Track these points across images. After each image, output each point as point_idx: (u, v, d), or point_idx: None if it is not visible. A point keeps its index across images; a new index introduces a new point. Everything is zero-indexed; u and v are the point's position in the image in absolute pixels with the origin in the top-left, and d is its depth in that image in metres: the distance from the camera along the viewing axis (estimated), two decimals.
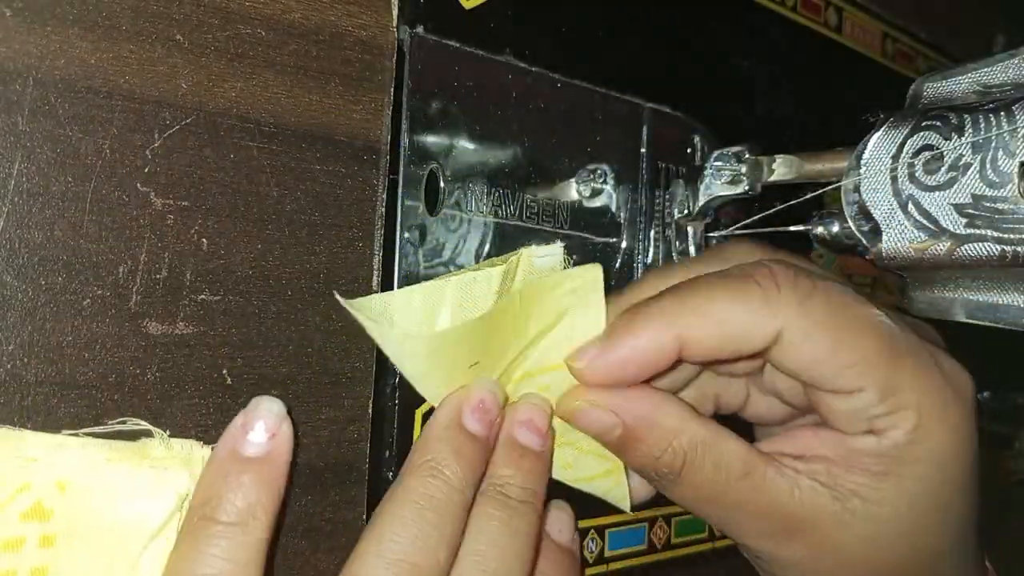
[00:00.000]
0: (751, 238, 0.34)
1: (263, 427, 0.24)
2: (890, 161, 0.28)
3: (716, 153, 0.37)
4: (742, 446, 0.28)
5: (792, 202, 0.33)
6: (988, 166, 0.26)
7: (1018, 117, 0.26)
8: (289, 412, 0.25)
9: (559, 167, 0.36)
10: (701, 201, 0.38)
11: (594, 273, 0.29)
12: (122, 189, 0.25)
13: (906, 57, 0.59)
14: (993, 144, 0.26)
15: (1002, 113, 0.26)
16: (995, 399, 0.66)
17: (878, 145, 0.29)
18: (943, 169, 0.27)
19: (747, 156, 0.36)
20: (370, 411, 0.30)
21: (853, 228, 0.29)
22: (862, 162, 0.29)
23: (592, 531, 0.38)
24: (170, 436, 0.25)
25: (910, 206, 0.28)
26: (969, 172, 0.27)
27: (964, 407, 0.28)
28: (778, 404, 0.32)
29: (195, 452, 0.25)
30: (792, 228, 0.33)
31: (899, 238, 0.28)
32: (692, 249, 0.40)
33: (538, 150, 0.36)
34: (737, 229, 0.38)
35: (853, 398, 0.27)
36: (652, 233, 0.40)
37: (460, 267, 0.32)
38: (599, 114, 0.38)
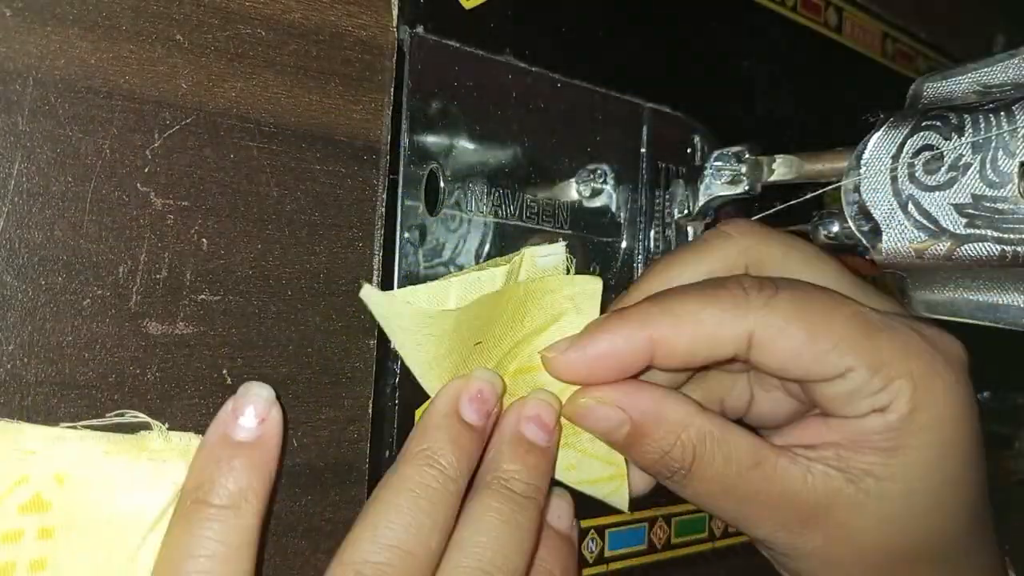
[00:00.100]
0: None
1: (253, 412, 0.25)
2: (890, 161, 0.28)
3: (716, 153, 0.37)
4: (751, 437, 0.29)
5: (792, 202, 0.33)
6: (988, 166, 0.26)
7: (1018, 117, 0.26)
8: (278, 397, 0.25)
9: (559, 167, 0.36)
10: (701, 201, 0.38)
11: (594, 285, 0.29)
12: (122, 189, 0.25)
13: (906, 57, 0.59)
14: (993, 144, 0.26)
15: (1002, 113, 0.26)
16: (995, 399, 0.66)
17: (878, 145, 0.29)
18: (943, 169, 0.27)
19: (747, 156, 0.36)
20: (370, 411, 0.30)
21: (853, 228, 0.29)
22: (862, 162, 0.29)
23: (592, 531, 0.38)
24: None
25: (910, 206, 0.28)
26: (969, 172, 0.27)
27: (956, 368, 0.28)
28: (782, 401, 0.32)
29: (193, 444, 0.25)
30: (792, 228, 0.33)
31: (899, 238, 0.28)
32: None
33: (538, 150, 0.36)
34: None
35: (845, 381, 0.27)
36: (652, 233, 0.40)
37: (460, 267, 0.32)
38: (599, 114, 0.38)
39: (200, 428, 0.26)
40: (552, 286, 0.29)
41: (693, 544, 0.43)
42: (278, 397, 0.25)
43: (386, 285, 0.30)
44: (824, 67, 0.53)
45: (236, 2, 0.27)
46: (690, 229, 0.40)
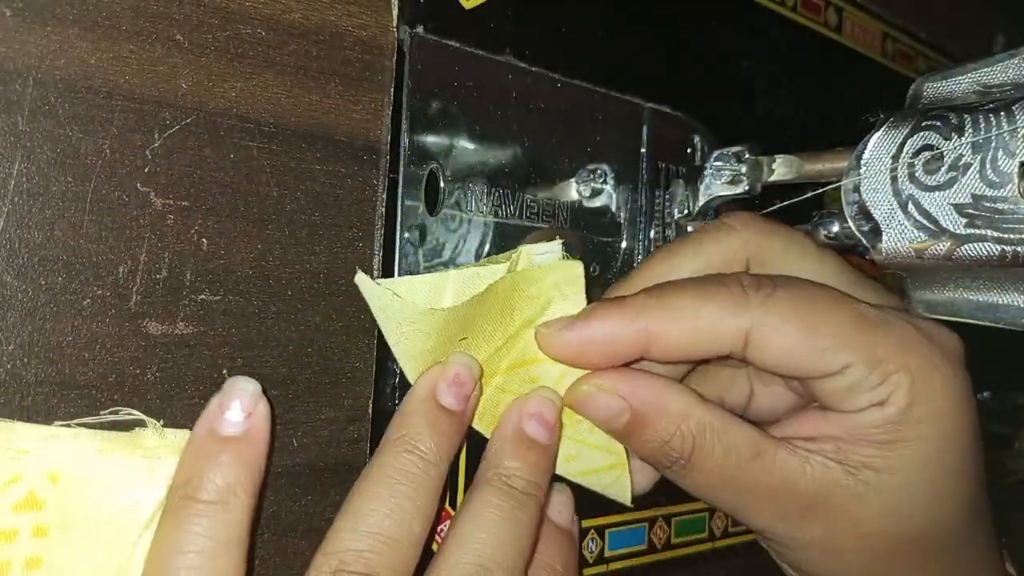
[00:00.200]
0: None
1: (239, 406, 0.25)
2: (890, 161, 0.28)
3: (716, 153, 0.37)
4: (750, 429, 0.29)
5: (792, 200, 0.33)
6: (988, 166, 0.26)
7: (1018, 117, 0.26)
8: (264, 392, 0.25)
9: (559, 167, 0.36)
10: (701, 201, 0.38)
11: (576, 270, 0.29)
12: (122, 189, 0.25)
13: (906, 57, 0.59)
14: (993, 144, 0.26)
15: (1002, 113, 0.26)
16: (995, 399, 0.66)
17: (878, 145, 0.29)
18: (943, 169, 0.27)
19: (747, 156, 0.36)
20: (370, 411, 0.30)
21: (853, 228, 0.29)
22: (862, 162, 0.29)
23: (592, 531, 0.38)
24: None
25: (910, 206, 0.28)
26: (969, 172, 0.27)
27: (953, 361, 0.28)
28: (782, 396, 0.32)
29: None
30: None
31: (899, 238, 0.28)
32: None
33: (538, 150, 0.36)
34: None
35: (843, 377, 0.27)
36: (652, 233, 0.40)
37: (460, 267, 0.32)
38: (599, 114, 0.38)
39: None
40: (536, 276, 0.29)
41: (693, 544, 0.43)
42: (265, 392, 0.25)
43: None
44: (824, 67, 0.53)
45: (236, 2, 0.27)
46: (690, 229, 0.40)
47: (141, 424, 0.24)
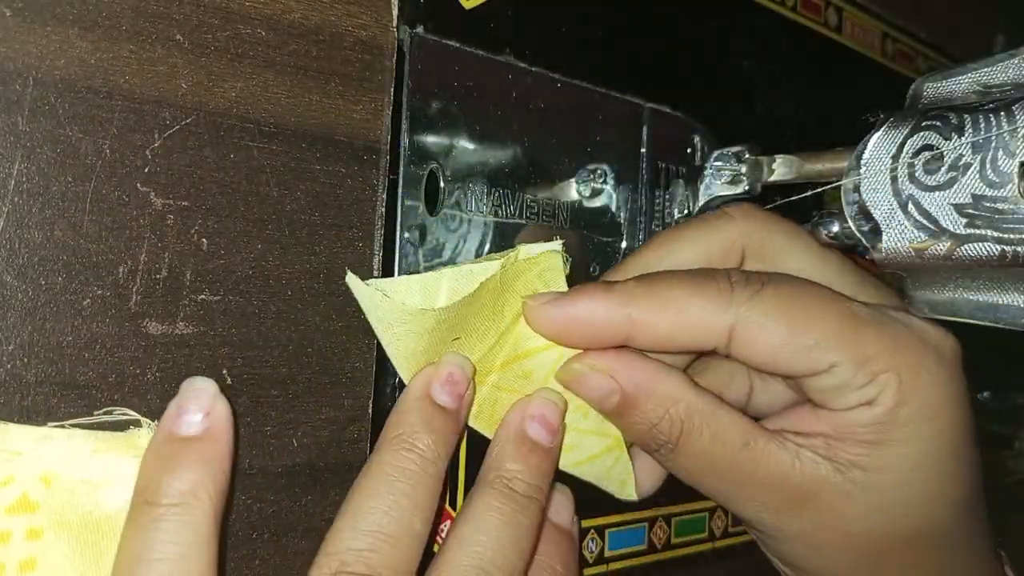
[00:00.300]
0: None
1: (196, 407, 0.24)
2: (890, 161, 0.28)
3: (716, 153, 0.37)
4: (741, 418, 0.29)
5: (792, 198, 0.33)
6: (988, 166, 0.26)
7: (1018, 117, 0.26)
8: (223, 390, 0.25)
9: (559, 167, 0.36)
10: (701, 201, 0.38)
11: (555, 258, 0.30)
12: (122, 189, 0.25)
13: (906, 57, 0.59)
14: (993, 144, 0.26)
15: (1002, 113, 0.26)
16: (995, 399, 0.66)
17: (878, 145, 0.29)
18: (943, 169, 0.27)
19: (747, 156, 0.36)
20: (370, 411, 0.30)
21: (853, 228, 0.29)
22: (862, 162, 0.29)
23: (592, 531, 0.38)
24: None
25: (910, 206, 0.28)
26: (969, 172, 0.27)
27: (947, 365, 0.28)
28: (781, 393, 0.32)
29: None
30: None
31: (899, 238, 0.28)
32: None
33: (538, 150, 0.36)
34: None
35: (830, 376, 0.27)
36: (652, 233, 0.40)
37: (455, 265, 0.32)
38: (599, 114, 0.38)
39: None
40: (522, 270, 0.29)
41: (693, 544, 0.43)
42: (223, 390, 0.25)
43: None
44: (824, 67, 0.53)
45: (236, 2, 0.27)
46: None
47: (136, 424, 0.24)
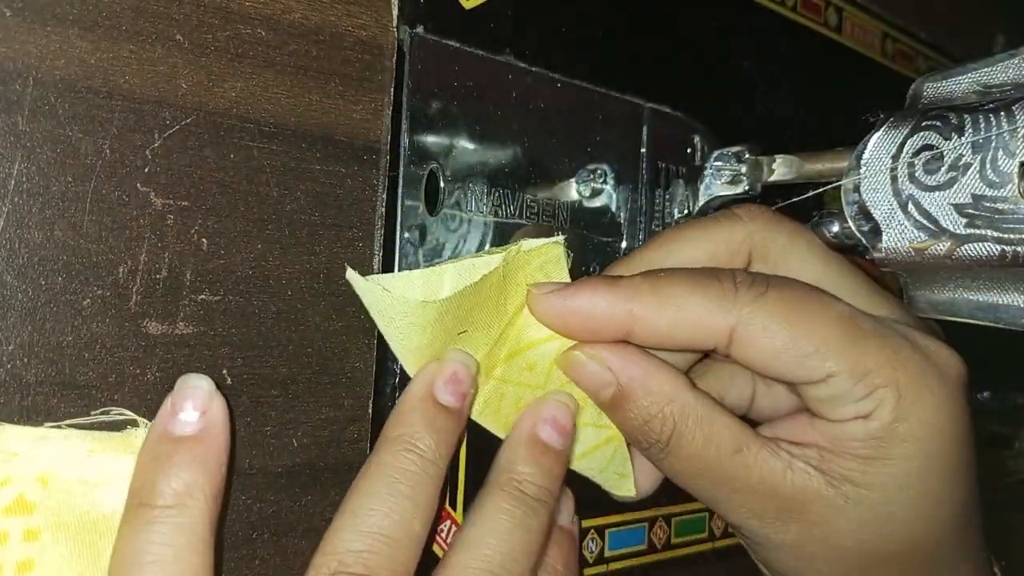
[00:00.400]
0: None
1: (191, 405, 0.24)
2: (890, 161, 0.28)
3: (716, 153, 0.37)
4: (737, 424, 0.29)
5: (792, 199, 0.33)
6: (988, 166, 0.26)
7: (1018, 117, 0.26)
8: (218, 387, 0.24)
9: (559, 167, 0.36)
10: (701, 201, 0.38)
11: (557, 249, 0.30)
12: (122, 189, 0.25)
13: (906, 57, 0.59)
14: (993, 144, 0.26)
15: (1002, 113, 0.26)
16: (995, 399, 0.66)
17: (878, 145, 0.29)
18: (943, 169, 0.27)
19: (747, 156, 0.36)
20: (370, 411, 0.30)
21: (853, 228, 0.29)
22: (862, 162, 0.29)
23: (592, 531, 0.38)
24: None
25: (910, 206, 0.28)
26: (969, 172, 0.27)
27: (948, 384, 0.28)
28: (784, 399, 0.32)
29: None
30: None
31: (899, 238, 0.28)
32: None
33: (538, 150, 0.36)
34: None
35: (828, 385, 0.27)
36: (652, 233, 0.40)
37: (456, 259, 0.32)
38: (599, 114, 0.38)
39: None
40: (523, 262, 0.29)
41: (693, 544, 0.43)
42: (218, 387, 0.24)
43: None
44: (824, 67, 0.53)
45: (236, 2, 0.27)
46: None
47: (133, 424, 0.24)
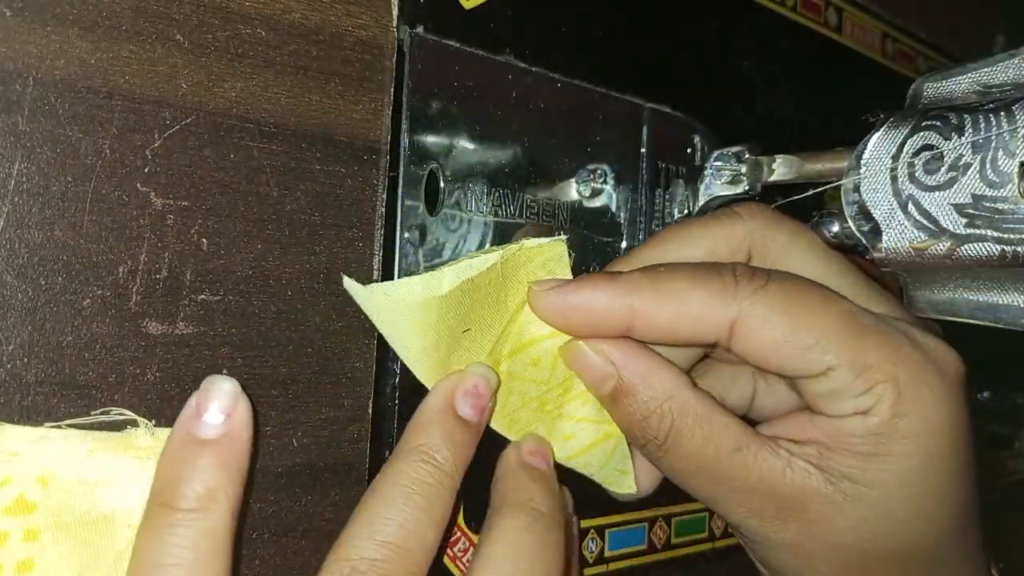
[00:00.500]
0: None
1: (217, 408, 0.24)
2: (890, 161, 0.28)
3: (716, 153, 0.37)
4: (736, 422, 0.29)
5: (792, 198, 0.33)
6: (988, 166, 0.26)
7: (1018, 117, 0.26)
8: (244, 389, 0.24)
9: (559, 167, 0.36)
10: (701, 201, 0.38)
11: (560, 248, 0.30)
12: (122, 189, 0.25)
13: (906, 57, 0.59)
14: (993, 144, 0.26)
15: (1002, 113, 0.26)
16: (995, 399, 0.66)
17: (878, 145, 0.29)
18: (943, 169, 0.27)
19: (747, 156, 0.36)
20: (370, 411, 0.30)
21: (853, 228, 0.29)
22: (862, 162, 0.29)
23: (592, 531, 0.38)
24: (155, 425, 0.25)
25: (910, 206, 0.28)
26: (969, 172, 0.27)
27: (947, 381, 0.28)
28: (785, 397, 0.32)
29: None
30: None
31: (899, 238, 0.28)
32: None
33: (538, 150, 0.36)
34: None
35: (828, 379, 0.27)
36: (652, 233, 0.40)
37: (454, 262, 0.32)
38: (599, 114, 0.38)
39: None
40: (524, 259, 0.29)
41: (693, 544, 0.43)
42: (248, 391, 0.24)
43: None
44: (824, 67, 0.53)
45: (236, 2, 0.27)
46: None
47: (133, 424, 0.24)
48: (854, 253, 0.30)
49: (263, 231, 0.28)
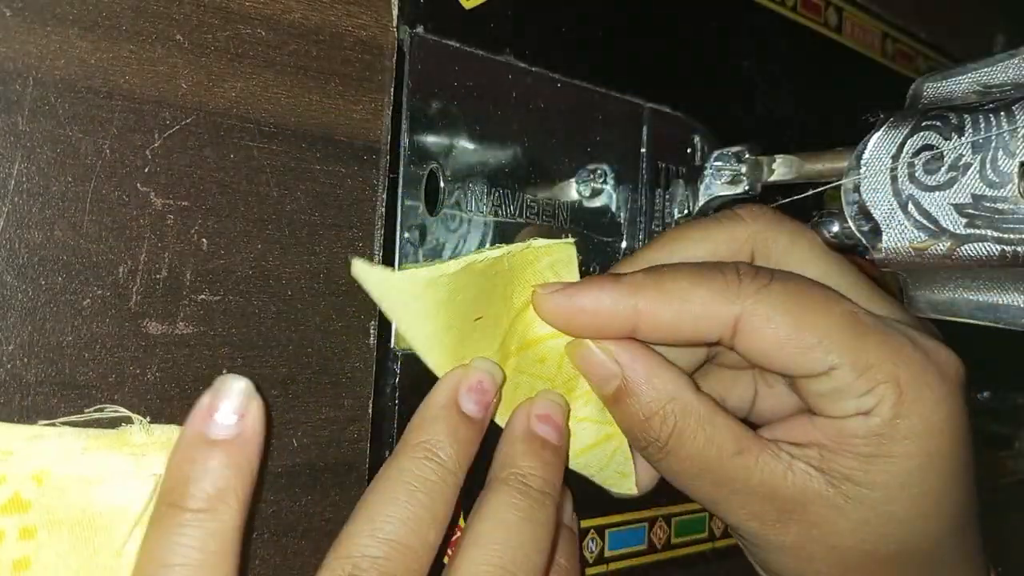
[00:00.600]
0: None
1: (230, 408, 0.23)
2: (890, 161, 0.28)
3: (716, 153, 0.37)
4: (737, 425, 0.29)
5: (792, 198, 0.33)
6: (988, 166, 0.26)
7: (1018, 117, 0.26)
8: (258, 389, 0.24)
9: (559, 167, 0.36)
10: (701, 201, 0.38)
11: (569, 251, 0.30)
12: (122, 189, 0.25)
13: (906, 57, 0.59)
14: (993, 144, 0.26)
15: (1002, 113, 0.26)
16: (995, 399, 0.66)
17: (878, 145, 0.29)
18: (943, 169, 0.27)
19: (747, 156, 0.36)
20: (370, 411, 0.30)
21: (853, 228, 0.29)
22: (862, 162, 0.29)
23: (592, 531, 0.38)
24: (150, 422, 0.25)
25: (910, 206, 0.28)
26: (969, 172, 0.27)
27: (948, 382, 0.28)
28: (786, 400, 0.32)
29: (175, 436, 0.24)
30: None
31: (899, 238, 0.28)
32: None
33: (538, 150, 0.36)
34: None
35: (829, 379, 0.27)
36: (652, 233, 0.40)
37: (457, 257, 0.32)
38: (599, 114, 0.38)
39: None
40: (531, 257, 0.29)
41: (693, 544, 0.43)
42: (259, 390, 0.24)
43: None
44: (824, 67, 0.53)
45: (236, 2, 0.27)
46: None
47: (128, 421, 0.24)
48: (854, 253, 0.30)
49: (263, 231, 0.28)
